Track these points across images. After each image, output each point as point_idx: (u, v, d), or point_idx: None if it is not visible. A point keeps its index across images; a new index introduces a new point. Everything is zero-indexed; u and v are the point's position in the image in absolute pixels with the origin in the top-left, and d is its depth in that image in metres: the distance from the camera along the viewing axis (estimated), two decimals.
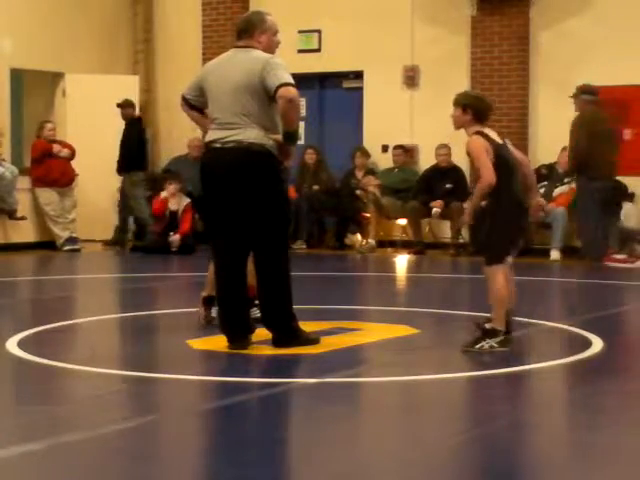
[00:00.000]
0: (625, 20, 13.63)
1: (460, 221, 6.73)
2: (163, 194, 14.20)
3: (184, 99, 6.92)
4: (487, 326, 6.69)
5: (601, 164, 12.40)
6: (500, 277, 6.68)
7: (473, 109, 6.80)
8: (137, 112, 15.05)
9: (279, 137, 6.61)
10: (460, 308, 8.85)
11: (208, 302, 7.40)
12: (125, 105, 14.82)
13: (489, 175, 6.64)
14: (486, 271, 6.78)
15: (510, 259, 6.88)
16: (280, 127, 6.61)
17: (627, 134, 13.77)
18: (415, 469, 4.27)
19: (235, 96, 6.58)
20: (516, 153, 6.99)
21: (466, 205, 6.75)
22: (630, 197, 13.50)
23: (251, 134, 6.56)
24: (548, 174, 13.79)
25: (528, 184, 7.07)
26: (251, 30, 6.74)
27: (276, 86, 6.46)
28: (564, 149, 13.46)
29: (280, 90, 6.44)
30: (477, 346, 6.63)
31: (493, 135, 6.82)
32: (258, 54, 6.63)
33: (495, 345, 6.61)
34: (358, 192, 14.73)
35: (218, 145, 6.65)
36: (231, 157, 6.59)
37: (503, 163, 6.73)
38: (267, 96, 6.53)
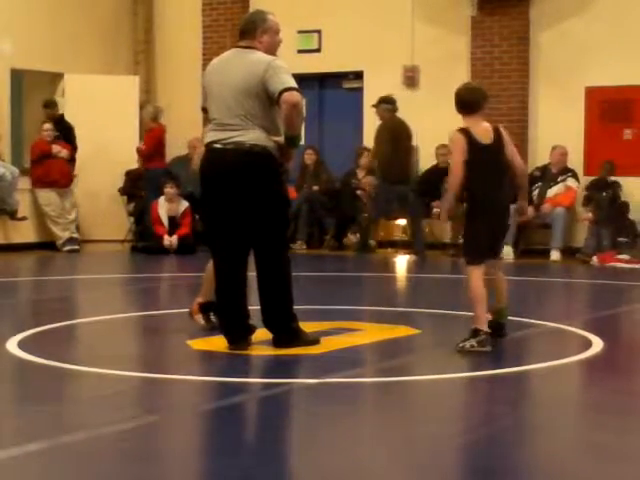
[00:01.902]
0: (625, 20, 13.63)
1: (441, 220, 6.83)
2: (161, 199, 14.18)
3: (204, 110, 6.89)
4: (472, 326, 6.70)
5: (401, 170, 13.51)
6: (474, 277, 6.70)
7: (455, 100, 6.81)
8: (59, 111, 14.99)
9: (280, 139, 6.60)
10: (460, 308, 8.84)
11: (205, 309, 7.34)
12: (49, 105, 14.81)
13: (455, 174, 6.70)
14: (465, 271, 6.84)
15: (494, 260, 6.92)
16: (281, 129, 6.60)
17: (628, 134, 13.78)
18: (415, 470, 4.27)
19: (236, 98, 6.56)
20: (508, 151, 6.92)
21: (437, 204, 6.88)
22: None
23: (252, 136, 6.55)
24: (542, 175, 13.82)
25: (517, 184, 7.07)
26: (253, 30, 6.71)
27: (279, 91, 6.43)
28: (554, 148, 13.56)
29: (284, 95, 6.42)
30: (460, 345, 6.62)
31: (479, 133, 6.77)
32: (260, 56, 6.61)
33: (475, 344, 6.59)
34: (359, 192, 14.72)
35: (219, 146, 6.63)
36: (232, 158, 6.57)
37: (478, 164, 6.71)
38: (268, 98, 6.51)
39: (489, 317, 6.85)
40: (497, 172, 6.81)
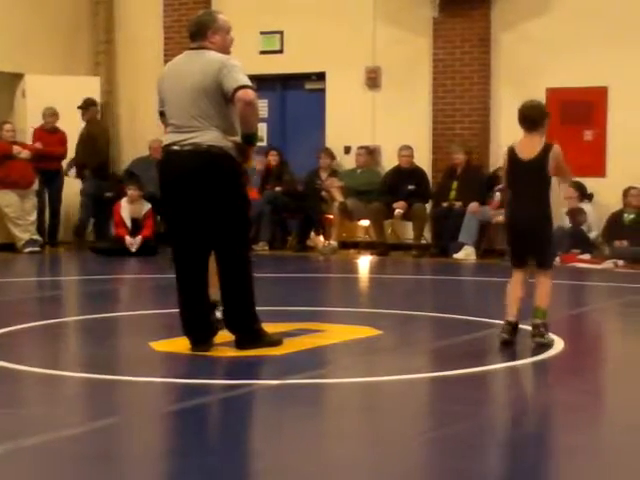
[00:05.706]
0: (585, 22, 13.72)
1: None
2: (123, 201, 14.10)
3: (160, 114, 6.84)
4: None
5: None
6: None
7: (518, 115, 7.05)
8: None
9: (237, 139, 6.58)
10: (422, 309, 8.87)
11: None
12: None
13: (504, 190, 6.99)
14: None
15: (538, 269, 7.15)
16: (238, 128, 6.57)
17: (588, 135, 13.88)
18: (379, 470, 4.27)
19: (192, 99, 6.53)
20: (551, 168, 6.92)
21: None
22: (589, 197, 13.58)
23: (209, 136, 6.52)
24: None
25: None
26: (203, 31, 6.67)
27: (234, 89, 6.41)
28: None
29: (238, 93, 6.40)
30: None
31: (520, 149, 6.97)
32: (213, 55, 6.58)
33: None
34: (323, 193, 14.72)
35: (176, 148, 6.59)
36: (190, 160, 6.53)
37: (514, 179, 7.03)
38: (224, 98, 6.49)
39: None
40: (532, 187, 6.96)
